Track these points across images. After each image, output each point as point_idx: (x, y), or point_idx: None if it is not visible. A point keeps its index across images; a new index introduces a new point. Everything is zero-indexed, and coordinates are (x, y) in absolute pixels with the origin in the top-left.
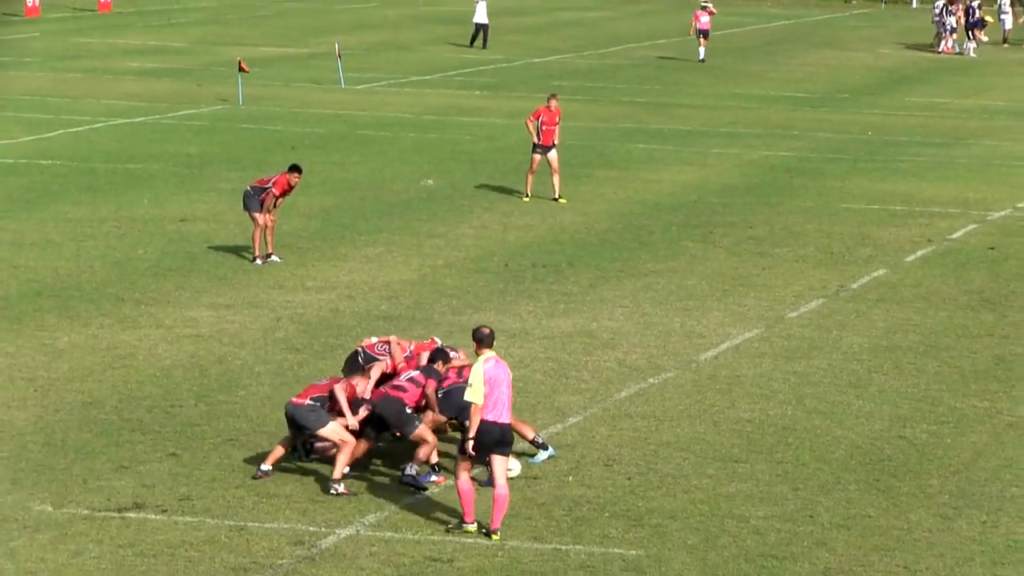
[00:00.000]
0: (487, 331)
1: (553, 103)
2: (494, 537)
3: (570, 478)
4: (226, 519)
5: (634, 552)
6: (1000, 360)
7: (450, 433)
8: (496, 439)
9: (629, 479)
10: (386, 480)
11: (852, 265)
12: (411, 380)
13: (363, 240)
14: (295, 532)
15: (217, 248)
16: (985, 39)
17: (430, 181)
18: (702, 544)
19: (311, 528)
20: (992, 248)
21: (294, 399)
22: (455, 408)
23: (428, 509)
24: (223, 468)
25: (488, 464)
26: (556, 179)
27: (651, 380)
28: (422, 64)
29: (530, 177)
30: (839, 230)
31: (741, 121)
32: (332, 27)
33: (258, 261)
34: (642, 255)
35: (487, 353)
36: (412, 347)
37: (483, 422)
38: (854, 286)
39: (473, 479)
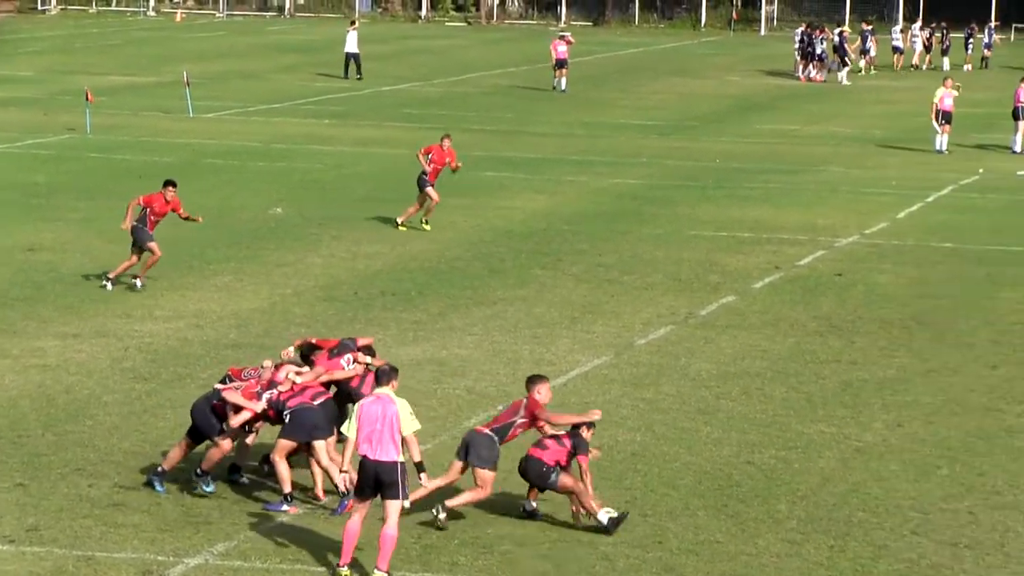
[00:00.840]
0: (383, 368)
1: (446, 143)
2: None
3: (407, 503)
4: (74, 549)
5: None
6: (847, 386)
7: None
8: (371, 476)
9: (478, 507)
10: (235, 508)
11: (700, 292)
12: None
13: (212, 269)
14: (143, 561)
15: (64, 277)
16: (871, 70)
17: (279, 209)
18: (552, 571)
19: (159, 557)
20: (839, 274)
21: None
22: (304, 432)
23: (276, 538)
24: (70, 498)
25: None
26: (432, 207)
27: (500, 407)
28: (271, 92)
29: (413, 209)
30: (688, 257)
31: (592, 149)
32: (180, 56)
33: (108, 285)
34: (492, 283)
35: (379, 390)
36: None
37: (362, 459)
38: (702, 313)
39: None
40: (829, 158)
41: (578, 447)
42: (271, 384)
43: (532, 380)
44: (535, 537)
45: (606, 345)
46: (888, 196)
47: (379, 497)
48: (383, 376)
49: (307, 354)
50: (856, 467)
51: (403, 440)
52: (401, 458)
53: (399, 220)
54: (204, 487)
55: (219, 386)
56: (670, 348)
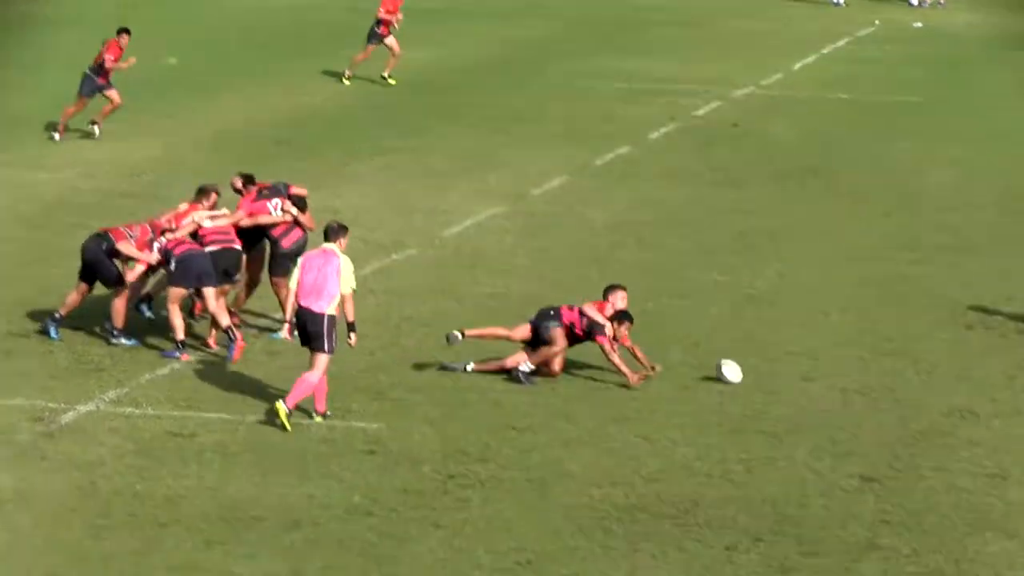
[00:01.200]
0: (331, 225)
1: None
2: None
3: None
4: None
5: (376, 425)
6: (741, 235)
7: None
8: (303, 325)
9: (372, 354)
10: (127, 356)
11: (595, 142)
12: None
13: (106, 119)
14: (34, 408)
15: None
16: None
17: (172, 60)
18: (443, 417)
19: (50, 404)
20: (735, 124)
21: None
22: (192, 278)
23: (168, 386)
24: None
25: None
26: (393, 60)
27: (394, 256)
28: None
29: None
30: (583, 108)
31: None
32: None
33: (56, 135)
34: (386, 133)
35: (326, 245)
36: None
37: (298, 308)
38: (597, 163)
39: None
40: (727, 10)
41: (594, 329)
42: (164, 231)
43: (609, 289)
44: (427, 384)
45: (501, 195)
46: (784, 48)
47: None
48: (331, 233)
49: (246, 183)
50: (748, 315)
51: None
52: (330, 311)
53: (347, 75)
54: (125, 341)
55: (106, 228)
56: (565, 198)
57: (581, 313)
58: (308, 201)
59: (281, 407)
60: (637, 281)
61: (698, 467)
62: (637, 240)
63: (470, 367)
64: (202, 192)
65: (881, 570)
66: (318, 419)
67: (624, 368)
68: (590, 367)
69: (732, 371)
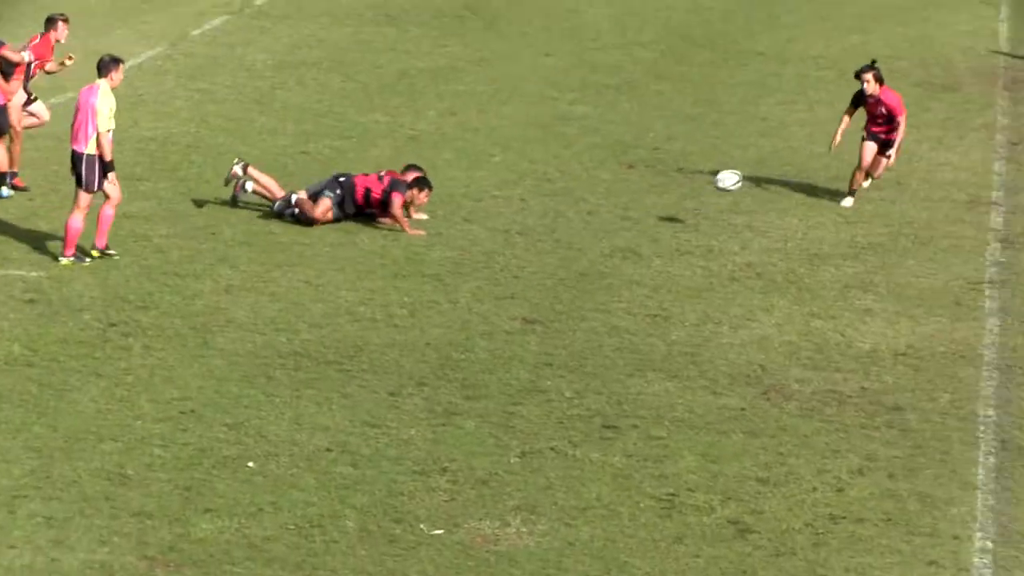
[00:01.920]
0: (103, 58)
1: None
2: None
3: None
4: None
5: (35, 274)
6: (403, 75)
7: None
8: (70, 165)
9: (31, 200)
10: None
11: None
12: None
13: None
14: None
15: None
16: None
17: None
18: (103, 265)
19: None
20: None
21: None
22: None
23: None
24: None
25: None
26: None
27: (52, 100)
28: None
29: None
30: None
31: None
32: None
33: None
34: None
35: (99, 80)
36: None
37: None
38: (258, 3)
39: None
40: None
41: (396, 187)
42: None
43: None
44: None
45: (160, 36)
46: None
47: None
48: (102, 67)
49: None
50: (409, 155)
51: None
52: (89, 150)
53: None
54: None
55: None
56: (225, 39)
57: (379, 178)
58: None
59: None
60: (299, 123)
61: (362, 312)
62: (298, 81)
63: (250, 187)
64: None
65: (544, 412)
66: (95, 254)
67: (404, 220)
68: (251, 209)
69: (729, 179)
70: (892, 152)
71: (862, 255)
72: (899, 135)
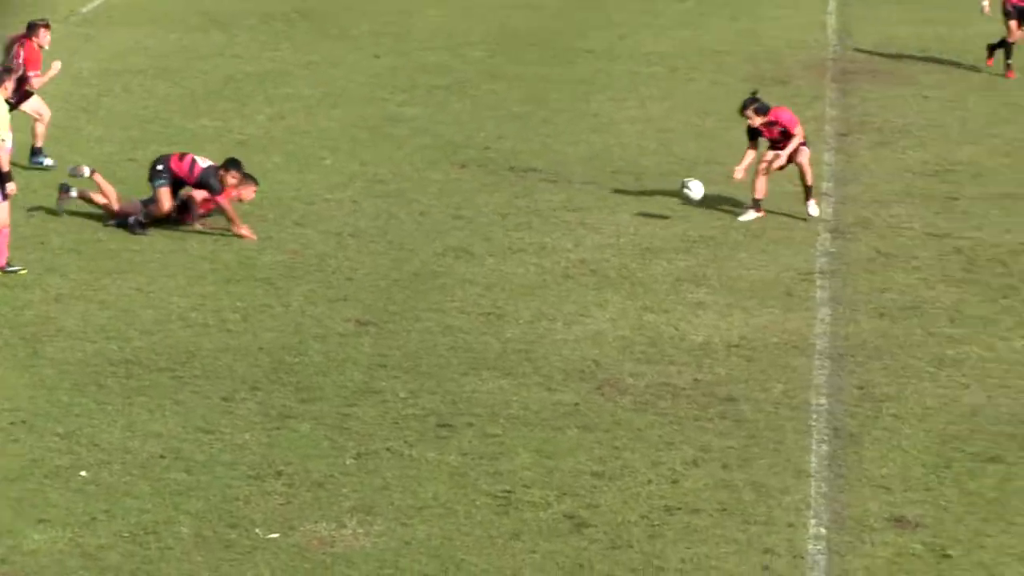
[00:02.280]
0: None
1: None
2: None
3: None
4: None
5: None
6: (230, 79)
7: None
8: None
9: None
10: None
11: None
12: None
13: None
14: None
15: None
16: None
17: None
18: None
19: None
20: None
21: None
22: None
23: None
24: None
25: None
26: None
27: None
28: None
29: None
30: None
31: None
32: None
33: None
34: None
35: None
36: None
37: None
38: (83, 11)
39: None
40: None
41: (212, 188)
42: None
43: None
44: None
45: None
46: None
47: None
48: None
49: None
50: (242, 159)
51: None
52: None
53: None
54: None
55: None
56: (51, 47)
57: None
58: None
59: None
60: (126, 129)
61: (194, 318)
62: (124, 88)
63: (74, 192)
64: None
65: (379, 413)
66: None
67: (236, 217)
68: (79, 216)
69: (697, 189)
70: (783, 154)
71: (694, 249)
72: (792, 144)
